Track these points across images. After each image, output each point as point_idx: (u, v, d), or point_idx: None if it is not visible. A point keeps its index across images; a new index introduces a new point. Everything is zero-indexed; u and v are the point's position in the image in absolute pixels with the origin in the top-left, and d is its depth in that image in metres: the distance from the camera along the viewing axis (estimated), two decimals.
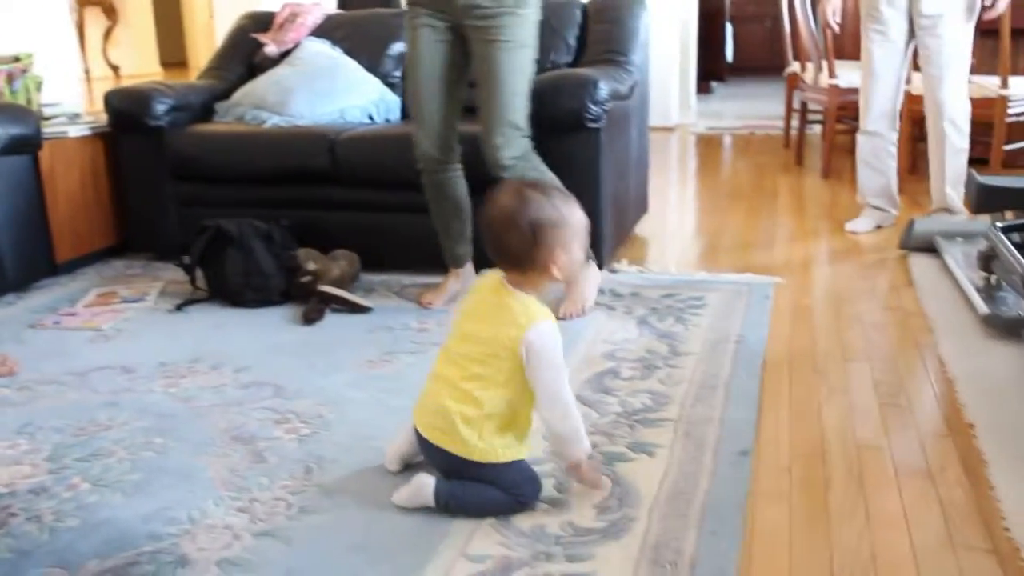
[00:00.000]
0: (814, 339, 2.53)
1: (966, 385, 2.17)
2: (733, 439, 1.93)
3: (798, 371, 2.31)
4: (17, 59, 3.52)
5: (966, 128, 3.46)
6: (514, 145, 2.61)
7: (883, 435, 1.96)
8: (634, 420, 2.02)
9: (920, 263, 3.16)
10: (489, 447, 1.65)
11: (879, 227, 3.66)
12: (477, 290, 1.75)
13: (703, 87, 8.75)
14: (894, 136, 3.59)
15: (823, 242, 3.53)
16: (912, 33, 3.44)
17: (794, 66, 5.53)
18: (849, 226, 3.66)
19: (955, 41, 3.35)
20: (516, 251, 1.63)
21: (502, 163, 2.60)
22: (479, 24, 2.56)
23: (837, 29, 3.77)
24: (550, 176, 2.66)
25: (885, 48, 3.46)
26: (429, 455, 1.74)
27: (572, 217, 1.66)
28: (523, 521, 1.65)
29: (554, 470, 1.81)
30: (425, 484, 1.68)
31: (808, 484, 1.77)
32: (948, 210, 3.51)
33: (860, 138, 3.63)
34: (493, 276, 1.72)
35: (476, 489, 1.67)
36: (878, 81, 3.51)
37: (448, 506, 1.66)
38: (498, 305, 1.66)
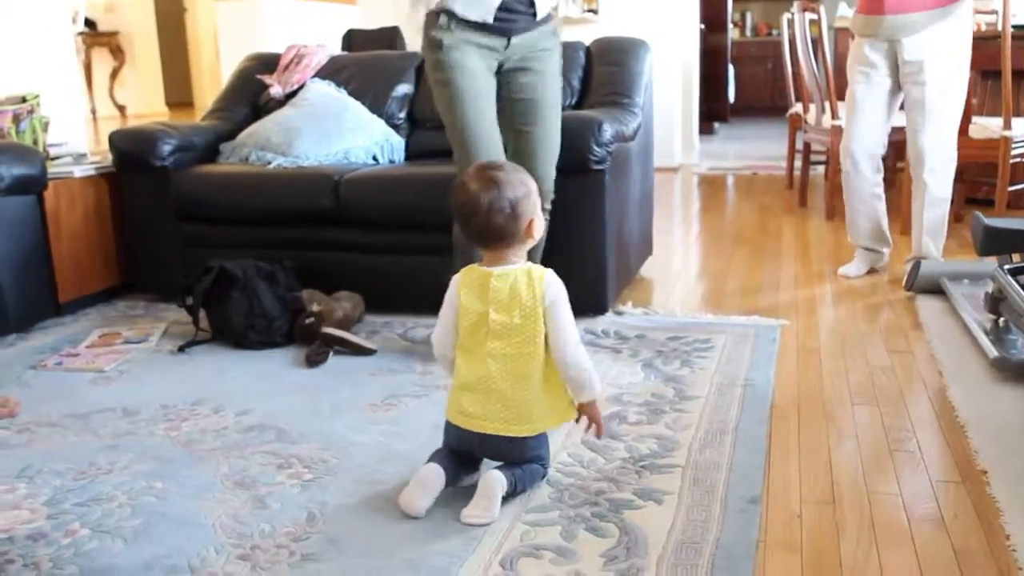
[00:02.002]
0: (822, 382, 2.51)
1: (977, 430, 2.15)
2: (742, 485, 1.90)
3: (807, 415, 2.29)
4: (24, 99, 3.54)
5: (948, 178, 3.41)
6: (553, 177, 2.66)
7: (894, 481, 1.93)
8: (641, 466, 2.00)
9: (927, 305, 3.15)
10: (554, 413, 1.89)
11: (872, 270, 3.64)
12: (475, 288, 1.86)
13: (706, 127, 8.81)
14: (878, 178, 3.56)
15: (828, 284, 3.52)
16: (899, 78, 3.40)
17: (797, 107, 5.56)
18: (842, 271, 3.63)
19: (939, 88, 3.30)
20: (502, 230, 1.82)
21: (551, 195, 2.65)
22: (526, 57, 2.56)
23: None
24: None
25: (869, 91, 3.44)
26: (500, 450, 1.87)
27: (531, 183, 1.87)
28: (531, 570, 1.61)
29: (560, 518, 1.78)
30: (496, 481, 1.80)
31: (819, 532, 1.74)
32: (925, 259, 3.46)
33: (845, 180, 3.61)
34: (475, 272, 1.87)
35: (527, 470, 1.87)
36: (862, 125, 3.48)
37: (516, 491, 1.84)
38: (509, 291, 1.83)
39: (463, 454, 1.91)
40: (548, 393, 1.87)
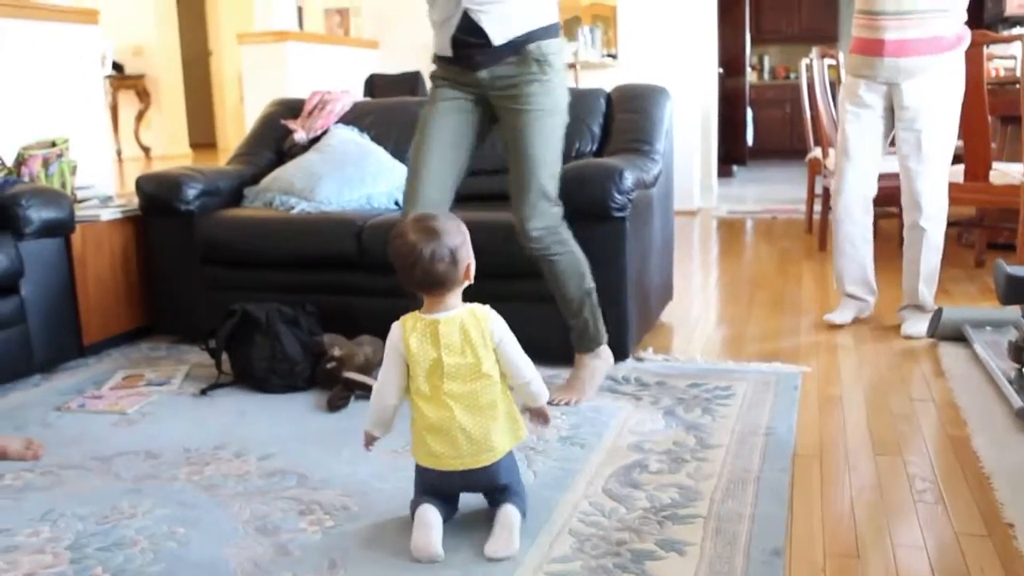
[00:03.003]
0: (844, 431, 2.49)
1: (1002, 481, 2.13)
2: (765, 537, 1.89)
3: (829, 465, 2.28)
4: (54, 143, 3.60)
5: (943, 224, 3.39)
6: (543, 216, 2.62)
7: (919, 534, 1.91)
8: (663, 516, 1.99)
9: (950, 352, 3.13)
10: (511, 434, 1.97)
11: (857, 318, 3.59)
12: (424, 335, 1.91)
13: (724, 171, 8.85)
14: (869, 221, 3.52)
15: (850, 330, 3.50)
16: (892, 121, 3.38)
17: (816, 152, 5.58)
18: (827, 317, 3.57)
19: (936, 133, 3.28)
20: (443, 277, 1.89)
21: (530, 234, 2.62)
22: (505, 94, 2.60)
23: None
24: (577, 250, 2.70)
25: (860, 131, 3.40)
26: (475, 481, 1.94)
27: (465, 230, 1.96)
28: None
29: (582, 568, 1.78)
30: (513, 514, 1.89)
31: None
32: (919, 307, 3.44)
33: (834, 224, 3.57)
34: (419, 320, 1.93)
35: (523, 497, 1.97)
36: (852, 165, 3.44)
37: (524, 513, 1.93)
38: (459, 333, 1.91)
39: (443, 495, 1.96)
40: (506, 418, 1.95)
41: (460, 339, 1.91)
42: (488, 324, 1.93)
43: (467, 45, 2.55)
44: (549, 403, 2.29)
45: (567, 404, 2.68)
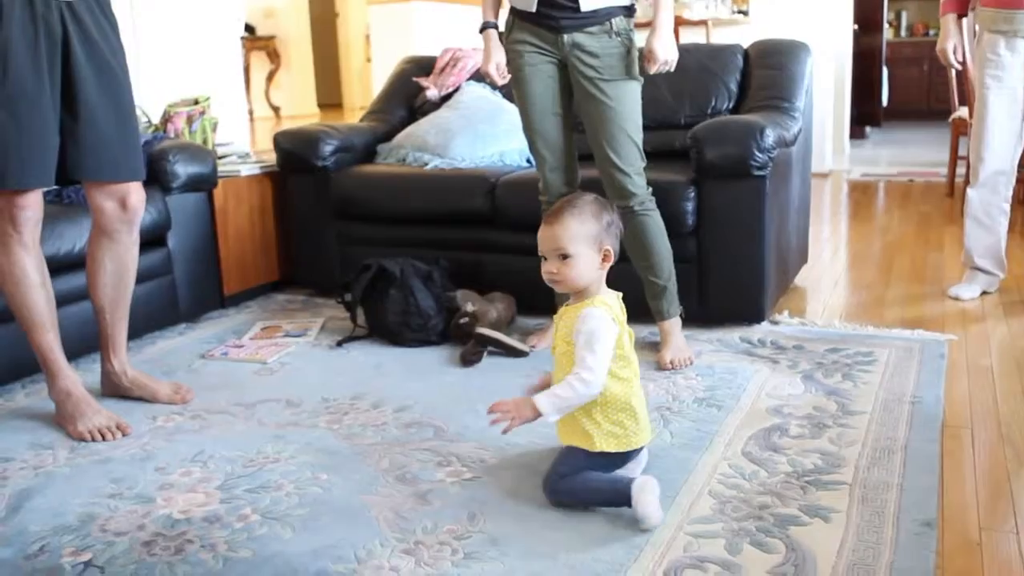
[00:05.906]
0: (996, 402, 2.38)
1: None
2: (915, 508, 1.82)
3: (981, 437, 2.17)
4: (196, 101, 3.71)
5: None
6: (641, 174, 2.62)
7: None
8: (806, 481, 1.94)
9: None
10: None
11: (985, 292, 3.38)
12: (619, 316, 1.92)
13: (856, 132, 8.51)
14: (1008, 192, 3.30)
15: (996, 298, 3.33)
16: None
17: (961, 111, 5.31)
18: (952, 291, 3.37)
19: None
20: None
21: (636, 193, 2.61)
22: (587, 63, 2.55)
23: (959, 67, 3.59)
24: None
25: (1001, 96, 3.18)
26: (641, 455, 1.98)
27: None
28: None
29: (724, 530, 1.75)
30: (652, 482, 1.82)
31: (1003, 563, 1.65)
32: None
33: (971, 193, 3.35)
34: (614, 301, 1.94)
35: None
36: (992, 132, 3.22)
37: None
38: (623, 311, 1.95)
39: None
40: None
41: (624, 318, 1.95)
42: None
43: (553, 5, 2.51)
44: (670, 369, 2.59)
45: (689, 363, 2.66)
